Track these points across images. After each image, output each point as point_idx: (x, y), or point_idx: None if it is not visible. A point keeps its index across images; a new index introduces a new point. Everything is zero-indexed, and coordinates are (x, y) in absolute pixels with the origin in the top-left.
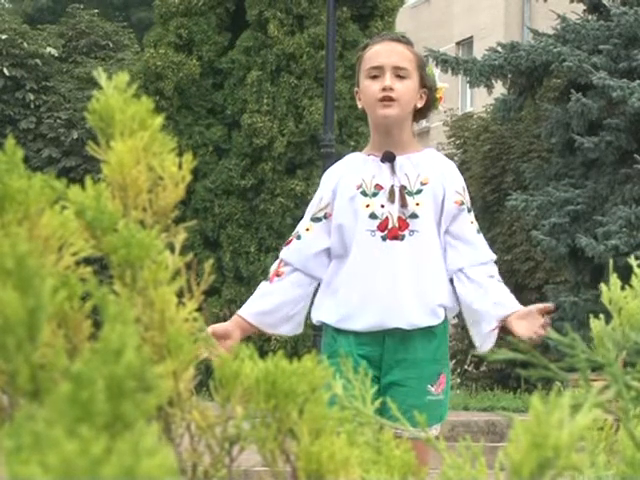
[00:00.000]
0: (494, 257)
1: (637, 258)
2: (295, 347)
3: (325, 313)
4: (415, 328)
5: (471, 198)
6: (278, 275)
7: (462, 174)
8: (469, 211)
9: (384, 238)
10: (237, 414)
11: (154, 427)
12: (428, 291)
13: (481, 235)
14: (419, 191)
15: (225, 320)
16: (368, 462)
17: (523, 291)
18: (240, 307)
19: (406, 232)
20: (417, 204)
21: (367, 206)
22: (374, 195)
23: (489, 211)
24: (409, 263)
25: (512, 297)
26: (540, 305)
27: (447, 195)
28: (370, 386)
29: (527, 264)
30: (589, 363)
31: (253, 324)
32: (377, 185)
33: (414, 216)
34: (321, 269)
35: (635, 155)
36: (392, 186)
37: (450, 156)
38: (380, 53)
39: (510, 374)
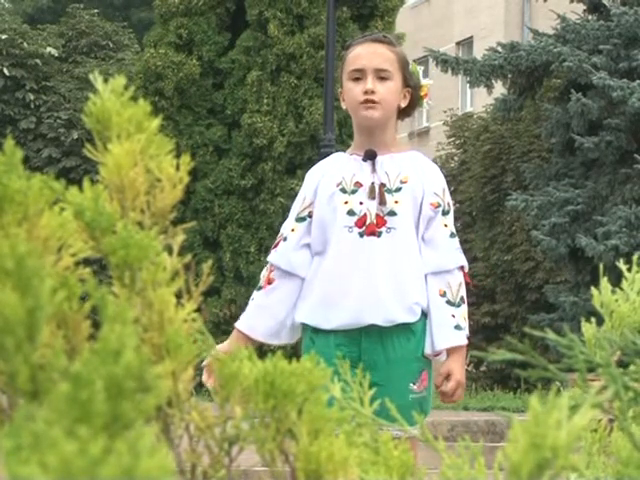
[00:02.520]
0: (461, 263)
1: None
2: (294, 347)
3: (303, 313)
4: (391, 325)
5: (471, 198)
6: (270, 282)
7: (462, 174)
8: (445, 214)
9: (361, 234)
10: (236, 414)
11: (153, 427)
12: (405, 288)
13: (454, 239)
14: (398, 189)
15: (225, 320)
16: (366, 462)
17: (523, 291)
18: (240, 307)
19: (383, 229)
20: (396, 202)
21: (345, 203)
22: (353, 192)
23: (489, 211)
24: (386, 260)
25: (447, 328)
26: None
27: (425, 196)
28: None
29: (527, 264)
30: (587, 364)
31: (256, 339)
32: (357, 182)
33: (392, 214)
34: (304, 266)
35: (635, 155)
36: (372, 183)
37: (450, 156)
38: (361, 55)
39: (510, 374)
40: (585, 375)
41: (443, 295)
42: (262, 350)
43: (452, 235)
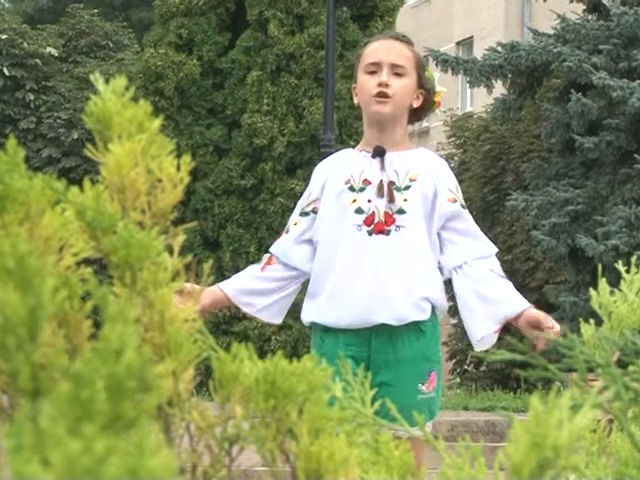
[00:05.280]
0: (496, 250)
1: (638, 258)
2: (295, 347)
3: (313, 312)
4: (401, 324)
5: (471, 198)
6: (269, 263)
7: (462, 174)
8: (464, 208)
9: (370, 233)
10: (237, 414)
11: (153, 427)
12: (414, 286)
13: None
14: (407, 187)
15: (225, 320)
16: (367, 462)
17: (523, 291)
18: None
19: (392, 227)
20: (405, 200)
21: (353, 201)
22: (361, 190)
23: (489, 211)
24: (395, 258)
25: (515, 293)
26: (546, 321)
27: (439, 193)
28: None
29: (527, 264)
30: (587, 364)
31: (230, 297)
32: (365, 180)
33: (401, 212)
34: (302, 260)
35: (635, 155)
36: (381, 181)
37: (450, 156)
38: (379, 50)
39: (510, 374)
40: (585, 375)
41: (492, 270)
42: (262, 350)
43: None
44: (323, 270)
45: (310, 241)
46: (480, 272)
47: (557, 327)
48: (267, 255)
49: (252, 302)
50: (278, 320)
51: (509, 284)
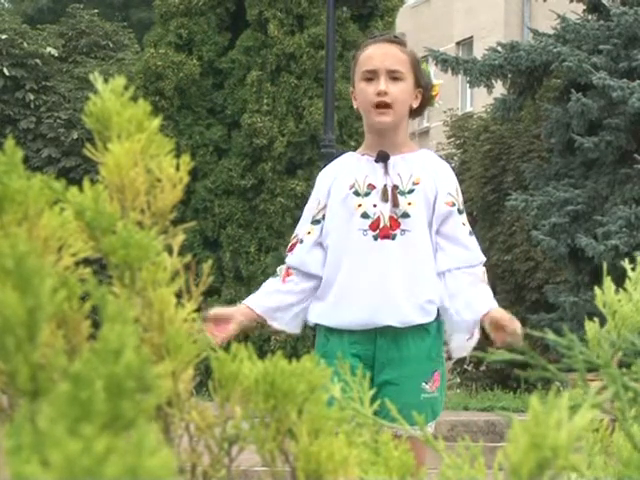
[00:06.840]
0: (483, 259)
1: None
2: (295, 347)
3: (318, 313)
4: (406, 326)
5: (471, 198)
6: (288, 275)
7: (462, 174)
8: (460, 213)
9: (375, 237)
10: (236, 414)
11: (153, 427)
12: (419, 289)
13: (473, 237)
14: (411, 191)
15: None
16: (366, 462)
17: (523, 291)
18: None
19: (397, 231)
20: (409, 204)
21: (359, 206)
22: (366, 195)
23: (489, 211)
24: (400, 262)
25: (486, 295)
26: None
27: (439, 196)
28: (368, 387)
29: (527, 264)
30: (587, 364)
31: (261, 315)
32: (370, 185)
33: (406, 215)
34: (317, 265)
35: (635, 155)
36: (385, 185)
37: (450, 156)
38: (374, 57)
39: (510, 374)
40: (585, 375)
41: (472, 283)
42: (262, 350)
43: (470, 233)
44: (331, 274)
45: (322, 245)
46: (459, 284)
47: (519, 336)
48: (283, 266)
49: (279, 317)
50: (299, 330)
51: (484, 288)
